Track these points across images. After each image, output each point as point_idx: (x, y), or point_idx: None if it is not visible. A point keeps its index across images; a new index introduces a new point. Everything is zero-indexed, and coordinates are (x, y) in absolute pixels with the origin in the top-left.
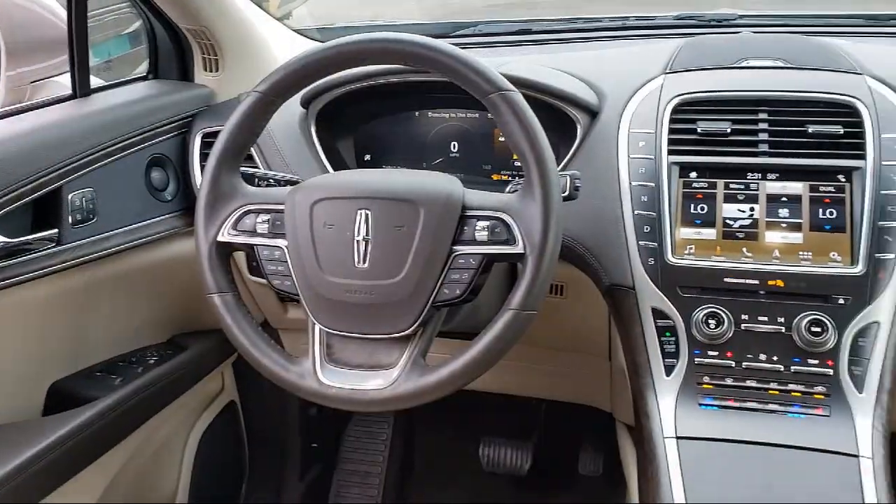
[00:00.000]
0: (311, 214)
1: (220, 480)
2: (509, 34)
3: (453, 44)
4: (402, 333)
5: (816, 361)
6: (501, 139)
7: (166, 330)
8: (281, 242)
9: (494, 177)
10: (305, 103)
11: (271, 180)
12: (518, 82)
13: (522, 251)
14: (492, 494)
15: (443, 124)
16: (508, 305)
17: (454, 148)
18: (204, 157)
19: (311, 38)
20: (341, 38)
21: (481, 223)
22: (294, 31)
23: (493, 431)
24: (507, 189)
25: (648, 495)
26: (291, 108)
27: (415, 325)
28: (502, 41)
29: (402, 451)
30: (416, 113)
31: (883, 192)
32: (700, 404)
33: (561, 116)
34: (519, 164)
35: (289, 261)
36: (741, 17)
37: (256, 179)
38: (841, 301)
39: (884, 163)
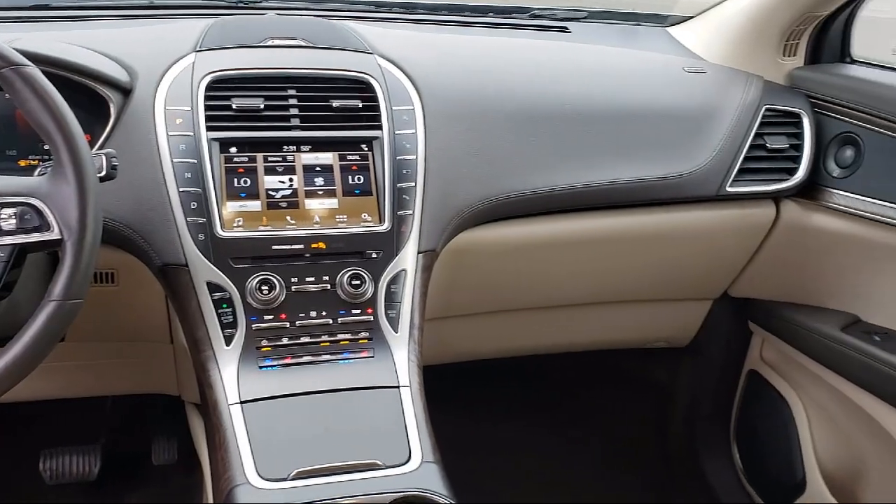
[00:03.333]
0: None
1: None
2: (24, 9)
3: None
4: None
5: (359, 311)
6: None
7: None
8: None
9: (22, 163)
10: None
11: None
12: (36, 58)
13: (59, 237)
14: None
15: None
16: (50, 296)
17: None
18: None
19: None
20: None
21: (6, 211)
22: None
23: (55, 441)
24: (36, 172)
25: (219, 463)
26: None
27: None
28: (15, 17)
29: None
30: None
31: (398, 157)
32: (260, 367)
33: (91, 95)
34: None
35: None
36: None
37: None
38: (374, 255)
39: (397, 132)
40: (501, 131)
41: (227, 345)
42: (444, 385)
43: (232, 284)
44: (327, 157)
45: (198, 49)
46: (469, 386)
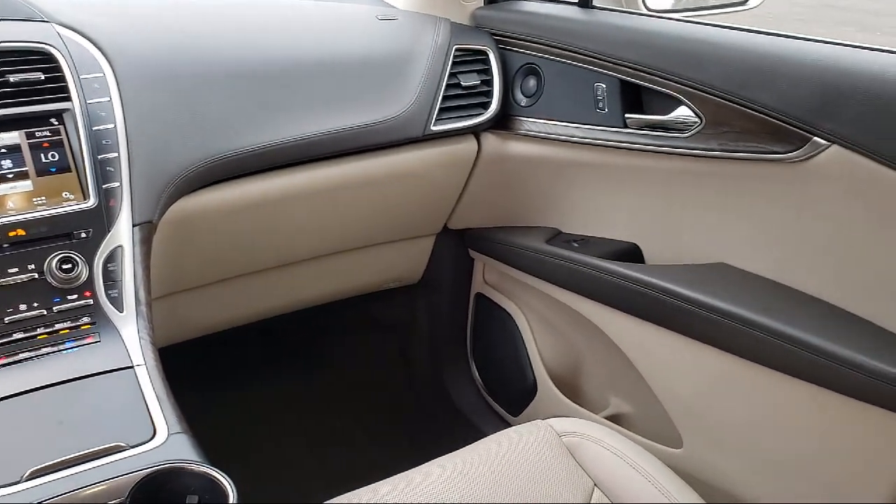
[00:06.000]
0: None
1: None
2: None
3: None
4: None
5: (76, 296)
6: None
7: None
8: None
9: None
10: None
11: None
12: None
13: None
14: None
15: None
16: None
17: None
18: None
19: None
20: None
21: None
22: None
23: None
24: None
25: None
26: None
27: None
28: None
29: None
30: None
31: (95, 128)
32: None
33: None
34: None
35: None
36: None
37: None
38: (84, 235)
39: (89, 102)
40: (207, 92)
41: None
42: (191, 362)
43: None
44: (12, 137)
45: None
46: (219, 357)
